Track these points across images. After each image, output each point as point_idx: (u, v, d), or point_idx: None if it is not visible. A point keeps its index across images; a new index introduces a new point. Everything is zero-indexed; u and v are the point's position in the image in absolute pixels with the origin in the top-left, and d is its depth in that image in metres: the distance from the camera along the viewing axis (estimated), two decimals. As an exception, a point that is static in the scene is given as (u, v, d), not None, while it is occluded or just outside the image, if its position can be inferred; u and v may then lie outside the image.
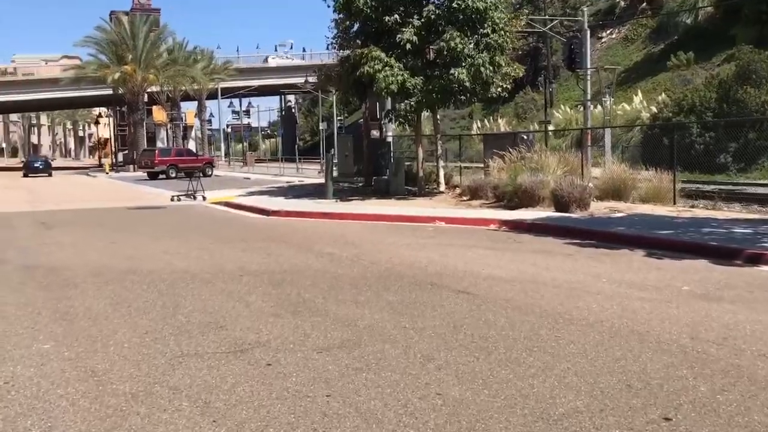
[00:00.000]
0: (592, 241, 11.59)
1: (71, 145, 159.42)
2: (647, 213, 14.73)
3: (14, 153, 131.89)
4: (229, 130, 65.35)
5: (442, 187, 22.84)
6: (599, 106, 44.46)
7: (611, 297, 7.26)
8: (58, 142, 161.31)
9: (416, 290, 7.72)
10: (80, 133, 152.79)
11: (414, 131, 21.94)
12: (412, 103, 18.97)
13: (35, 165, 52.11)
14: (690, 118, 30.04)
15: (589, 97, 24.30)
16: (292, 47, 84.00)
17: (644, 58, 54.54)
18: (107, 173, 50.95)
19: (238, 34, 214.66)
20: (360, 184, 25.62)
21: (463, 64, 18.97)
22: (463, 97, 19.47)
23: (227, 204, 20.33)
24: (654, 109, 37.49)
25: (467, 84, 18.76)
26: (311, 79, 33.25)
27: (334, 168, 30.59)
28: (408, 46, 18.76)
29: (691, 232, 11.73)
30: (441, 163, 23.28)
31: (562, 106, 48.87)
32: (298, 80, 53.14)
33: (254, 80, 69.10)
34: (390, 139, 28.71)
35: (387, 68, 18.61)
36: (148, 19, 55.07)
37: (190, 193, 23.07)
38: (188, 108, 69.70)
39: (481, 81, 19.19)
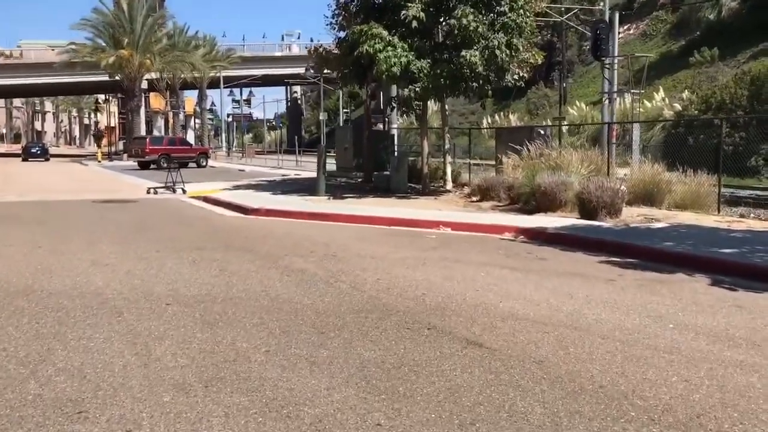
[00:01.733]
0: (633, 260, 9.22)
1: (76, 132, 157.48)
2: (692, 223, 12.32)
3: (17, 139, 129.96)
4: (230, 119, 62.98)
5: (449, 185, 20.47)
6: (619, 102, 42.05)
7: (693, 361, 4.88)
8: (63, 130, 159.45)
9: (406, 339, 5.35)
10: (85, 121, 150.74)
11: (419, 122, 19.52)
12: (416, 89, 16.56)
13: (33, 150, 56.28)
14: (718, 115, 27.61)
15: (615, 88, 21.83)
16: (299, 37, 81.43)
17: (664, 54, 51.89)
18: (99, 161, 48.74)
19: (247, 25, 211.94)
20: (359, 180, 23.25)
21: (476, 46, 16.57)
22: (475, 84, 17.02)
23: (206, 199, 18.00)
24: (678, 107, 35.00)
25: (480, 69, 16.34)
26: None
27: (330, 162, 28.28)
28: (414, 23, 16.35)
29: (761, 251, 9.31)
30: (449, 158, 20.89)
31: (577, 102, 46.35)
32: (303, 70, 50.75)
33: (258, 69, 66.72)
34: (395, 132, 26.36)
35: (389, 48, 16.22)
36: (147, 2, 52.67)
37: (169, 185, 20.78)
38: (188, 96, 67.33)
39: (496, 66, 16.79)
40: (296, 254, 9.36)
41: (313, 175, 26.42)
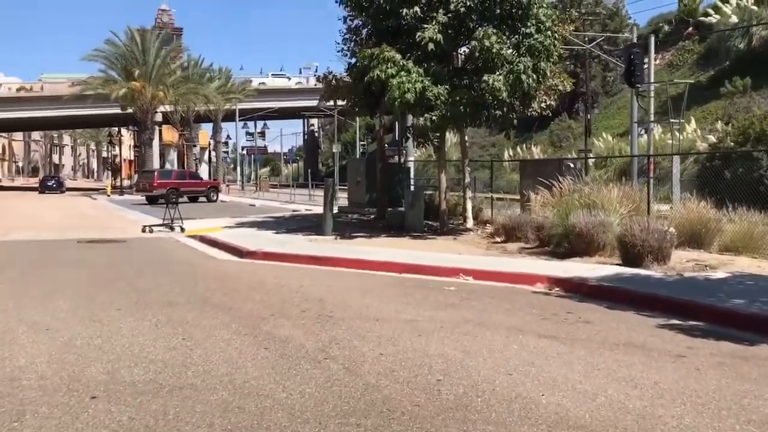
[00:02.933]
0: (699, 323, 7.46)
1: (94, 165, 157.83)
2: (755, 272, 10.51)
3: (35, 172, 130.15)
4: (244, 152, 61.91)
5: (470, 223, 18.72)
6: (644, 134, 40.24)
7: None
8: (81, 163, 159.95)
9: (412, 470, 3.62)
10: (104, 154, 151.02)
11: (436, 154, 17.87)
12: (433, 117, 14.93)
13: (49, 184, 58.88)
14: (757, 148, 25.72)
15: (652, 117, 20.07)
16: (317, 70, 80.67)
17: (692, 85, 50.18)
18: (108, 195, 47.58)
19: (265, 59, 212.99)
20: (371, 217, 21.58)
21: (500, 70, 14.99)
22: (498, 113, 15.37)
23: (202, 239, 16.40)
24: (712, 138, 33.15)
25: (504, 95, 14.70)
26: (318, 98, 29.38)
27: (343, 196, 26.69)
28: (430, 46, 14.82)
29: None
30: (469, 193, 19.17)
31: (603, 134, 44.57)
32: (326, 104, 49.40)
33: (274, 102, 65.81)
34: (411, 165, 24.77)
35: (403, 73, 14.65)
36: (161, 35, 51.94)
37: (166, 222, 19.24)
38: (203, 129, 66.42)
39: (522, 92, 15.15)
40: (284, 314, 7.66)
41: (326, 210, 24.87)
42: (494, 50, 14.56)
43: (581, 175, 17.66)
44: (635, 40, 24.73)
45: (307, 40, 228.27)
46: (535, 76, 15.04)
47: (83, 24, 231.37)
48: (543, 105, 17.17)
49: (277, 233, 17.20)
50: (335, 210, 25.09)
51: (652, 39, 19.90)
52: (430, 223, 18.84)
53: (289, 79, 72.61)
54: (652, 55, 19.74)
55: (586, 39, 38.07)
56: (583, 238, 12.54)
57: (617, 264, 11.56)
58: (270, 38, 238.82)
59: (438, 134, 16.62)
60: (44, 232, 18.82)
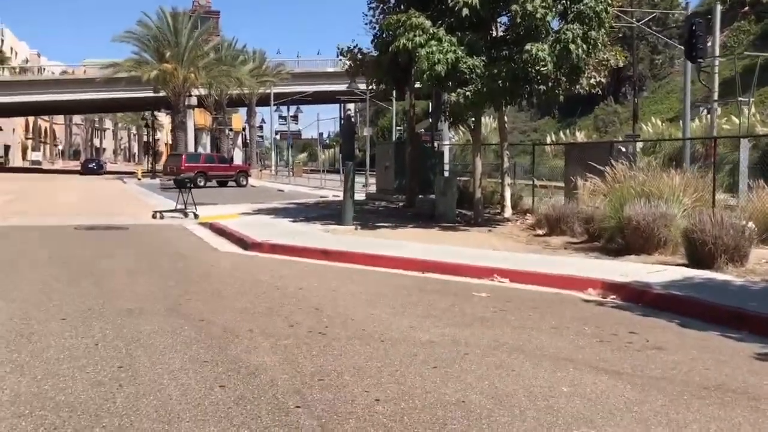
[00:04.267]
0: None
1: (135, 149, 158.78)
2: None
3: (76, 155, 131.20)
4: (278, 137, 60.54)
5: (508, 213, 16.92)
6: (696, 120, 37.70)
7: None
8: (122, 147, 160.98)
9: None
10: (144, 138, 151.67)
11: (471, 135, 16.04)
12: (467, 93, 13.12)
13: (90, 166, 64.06)
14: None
15: (716, 96, 17.90)
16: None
17: (747, 66, 47.28)
18: (139, 179, 46.63)
19: (303, 43, 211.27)
20: (400, 204, 19.88)
21: (544, 39, 13.13)
22: (542, 88, 13.48)
23: (212, 226, 14.90)
24: (775, 123, 30.65)
25: (549, 67, 12.83)
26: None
27: (367, 184, 25.04)
28: (465, 12, 13.03)
29: None
30: (508, 180, 17.32)
31: (652, 119, 42.06)
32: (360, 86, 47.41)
33: (310, 86, 64.16)
34: (445, 149, 22.96)
35: (433, 42, 12.88)
36: (193, 16, 50.70)
37: (179, 208, 17.82)
38: (236, 113, 65.26)
39: (570, 65, 13.24)
40: (266, 330, 6.01)
41: (355, 196, 23.20)
42: (538, 15, 12.68)
43: (634, 160, 15.71)
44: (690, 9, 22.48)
45: (348, 24, 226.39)
46: (585, 46, 13.10)
47: (129, 8, 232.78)
48: (593, 81, 15.22)
49: (294, 221, 15.61)
50: (363, 197, 23.50)
51: (718, 8, 17.72)
52: (463, 212, 17.08)
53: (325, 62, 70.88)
54: (718, 25, 17.56)
55: (634, 18, 35.65)
56: (641, 232, 10.68)
57: (682, 264, 9.68)
58: (309, 22, 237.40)
59: (473, 113, 14.78)
60: (51, 216, 17.54)
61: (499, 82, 13.11)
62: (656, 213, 10.65)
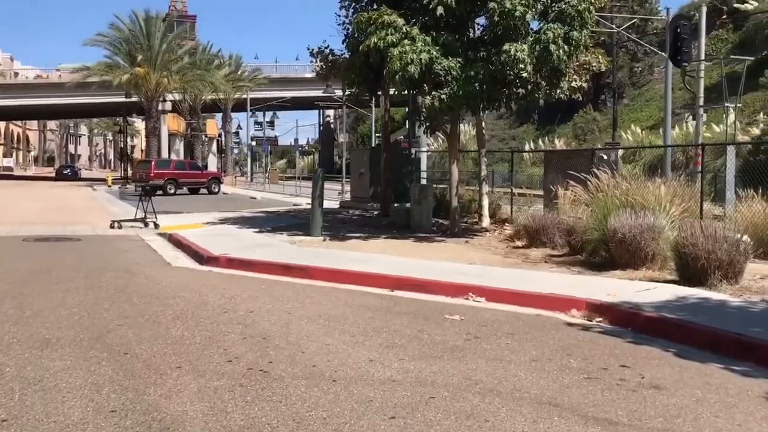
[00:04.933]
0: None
1: (111, 155, 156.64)
2: None
3: (50, 162, 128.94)
4: (253, 143, 59.47)
5: (486, 222, 16.16)
6: (676, 128, 37.25)
7: None
8: (97, 153, 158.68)
9: None
10: (120, 144, 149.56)
11: (447, 141, 15.22)
12: (443, 96, 12.31)
13: (65, 172, 65.59)
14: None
15: (701, 101, 17.23)
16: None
17: (727, 74, 47.00)
18: (109, 186, 45.36)
19: (281, 49, 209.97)
20: (375, 213, 19.03)
21: (523, 39, 12.39)
22: (521, 91, 12.71)
23: (171, 238, 13.95)
24: (755, 131, 30.30)
25: (529, 69, 12.07)
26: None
27: (342, 192, 24.18)
28: (440, 10, 12.23)
29: None
30: (485, 188, 16.55)
31: (632, 127, 41.58)
32: (336, 93, 46.31)
33: (288, 91, 63.18)
34: (422, 156, 22.15)
35: (406, 41, 12.08)
36: (167, 19, 49.62)
37: (139, 218, 16.83)
38: (210, 119, 64.08)
39: (550, 67, 12.48)
40: (198, 366, 5.13)
41: (328, 204, 22.29)
42: (517, 14, 11.93)
43: (616, 168, 15.04)
44: (668, 19, 21.85)
45: (328, 31, 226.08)
46: (566, 47, 12.35)
47: (108, 13, 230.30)
48: (574, 85, 14.50)
49: (259, 232, 14.69)
50: (337, 205, 22.63)
51: (704, 9, 17.07)
52: (440, 221, 16.28)
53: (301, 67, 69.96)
54: (704, 27, 16.92)
55: (614, 25, 35.16)
56: (627, 246, 9.91)
57: (672, 281, 8.93)
58: (289, 29, 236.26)
59: (449, 118, 13.97)
60: (1, 225, 16.46)
61: (476, 84, 12.33)
62: (643, 225, 9.90)
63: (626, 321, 6.97)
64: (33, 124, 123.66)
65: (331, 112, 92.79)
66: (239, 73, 59.40)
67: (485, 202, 16.41)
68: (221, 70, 54.93)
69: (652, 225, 9.97)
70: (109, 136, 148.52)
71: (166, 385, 4.66)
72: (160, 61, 47.31)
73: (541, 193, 18.31)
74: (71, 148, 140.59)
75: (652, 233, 9.92)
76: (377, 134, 65.26)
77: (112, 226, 16.46)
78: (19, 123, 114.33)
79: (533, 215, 12.39)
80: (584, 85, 15.56)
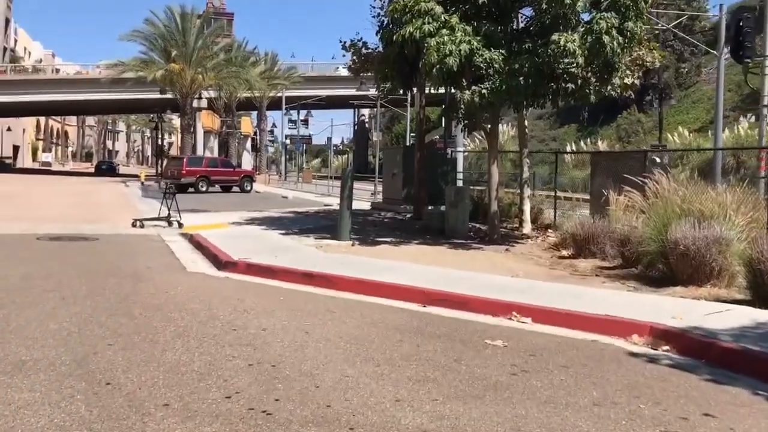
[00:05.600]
0: None
1: (148, 152, 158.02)
2: None
3: (89, 158, 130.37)
4: (287, 141, 58.87)
5: (527, 228, 15.13)
6: (726, 130, 35.63)
7: None
8: (135, 150, 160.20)
9: None
10: (159, 141, 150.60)
11: (486, 140, 14.21)
12: (483, 91, 11.32)
13: (103, 168, 72.29)
14: None
15: (766, 101, 15.95)
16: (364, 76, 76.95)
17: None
18: (142, 183, 45.14)
19: (317, 49, 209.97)
20: (407, 216, 18.09)
21: (574, 29, 11.35)
22: (570, 86, 11.64)
23: (192, 239, 13.19)
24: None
25: (579, 61, 11.03)
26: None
27: (375, 193, 23.26)
28: (482, -1, 11.24)
29: None
30: (527, 191, 15.52)
31: (680, 128, 39.96)
32: (371, 92, 45.22)
33: (323, 90, 62.50)
34: (459, 156, 21.19)
35: (444, 31, 11.12)
36: (203, 15, 49.23)
37: (162, 217, 16.15)
38: (245, 116, 63.65)
39: (603, 60, 11.41)
40: (191, 402, 4.24)
41: (360, 206, 21.43)
42: (567, 1, 10.89)
43: (668, 171, 13.86)
44: (724, 22, 20.54)
45: (362, 26, 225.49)
46: (620, 38, 11.28)
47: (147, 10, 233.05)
48: (627, 81, 13.38)
49: (285, 234, 13.85)
50: (368, 206, 21.73)
51: (769, 1, 15.82)
52: (477, 226, 15.30)
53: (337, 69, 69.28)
54: (768, 21, 15.63)
55: (660, 24, 33.72)
56: (690, 260, 8.84)
57: (743, 301, 7.87)
58: (326, 28, 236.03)
59: (489, 115, 12.97)
60: (22, 222, 15.88)
61: (521, 78, 11.31)
62: (709, 237, 8.81)
63: (699, 351, 5.93)
64: (72, 120, 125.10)
65: (366, 112, 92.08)
66: (274, 70, 58.87)
67: (527, 207, 15.37)
68: (257, 67, 54.43)
69: (720, 237, 8.88)
70: (147, 133, 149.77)
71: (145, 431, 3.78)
72: (195, 58, 46.96)
73: (585, 196, 17.22)
74: (109, 144, 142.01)
75: (719, 246, 8.83)
76: (412, 134, 64.23)
77: (134, 225, 15.80)
78: (58, 119, 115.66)
79: (582, 222, 11.32)
80: (636, 82, 14.43)
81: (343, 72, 67.97)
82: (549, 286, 8.61)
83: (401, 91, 14.07)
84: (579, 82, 11.56)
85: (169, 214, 16.08)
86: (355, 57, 15.50)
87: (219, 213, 19.93)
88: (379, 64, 14.29)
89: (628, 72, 13.40)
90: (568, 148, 44.99)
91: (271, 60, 58.89)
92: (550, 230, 15.48)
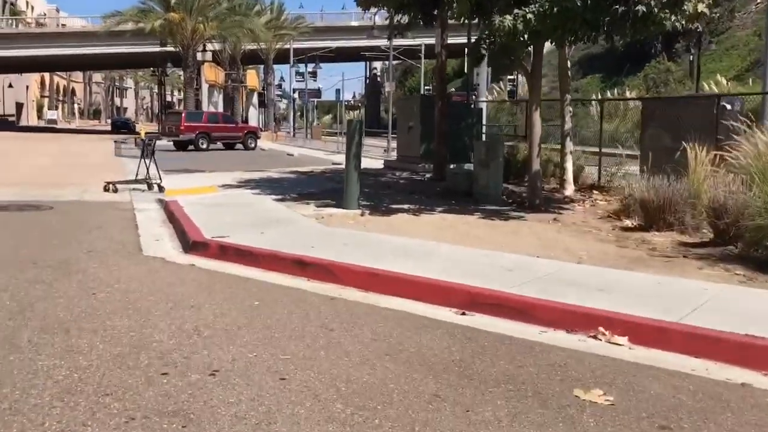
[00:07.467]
0: None
1: (157, 108, 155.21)
2: None
3: (96, 115, 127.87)
4: (296, 95, 56.09)
5: (569, 190, 12.69)
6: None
7: None
8: (144, 107, 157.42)
9: None
10: (169, 98, 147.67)
11: (528, 82, 11.62)
12: (529, 15, 8.73)
13: (117, 124, 72.00)
14: None
15: None
16: (379, 10, 73.34)
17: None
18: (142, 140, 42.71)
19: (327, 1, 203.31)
20: (426, 176, 15.61)
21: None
22: (641, 8, 8.98)
23: (167, 207, 10.80)
24: None
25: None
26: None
27: (388, 150, 20.75)
28: None
29: None
30: (569, 146, 13.00)
31: (717, 76, 36.86)
32: (383, 42, 41.97)
33: (332, 41, 59.36)
34: (483, 107, 18.62)
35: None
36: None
37: (141, 179, 13.81)
38: (250, 70, 60.76)
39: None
40: None
41: (371, 164, 18.94)
42: None
43: (750, 119, 11.26)
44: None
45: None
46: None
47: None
48: (701, 7, 10.69)
49: (280, 200, 11.44)
50: (380, 165, 19.26)
51: None
52: (510, 188, 12.88)
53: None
54: None
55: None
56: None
57: None
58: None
59: (533, 47, 10.34)
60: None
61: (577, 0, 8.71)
62: None
63: None
64: (78, 76, 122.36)
65: (378, 65, 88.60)
66: (281, 20, 55.74)
67: (569, 164, 12.87)
68: (262, 17, 51.43)
69: None
70: (155, 89, 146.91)
71: None
72: (195, 6, 44.08)
73: (624, 152, 14.71)
74: (117, 101, 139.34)
75: None
76: (427, 87, 61.16)
77: (106, 189, 13.41)
78: (63, 75, 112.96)
79: (656, 186, 8.80)
80: (706, 11, 11.73)
81: (354, 22, 64.83)
82: (634, 278, 6.16)
83: (420, 22, 11.45)
84: (652, 2, 8.92)
85: (147, 174, 13.74)
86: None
87: (213, 173, 17.57)
88: (393, -8, 11.63)
89: (702, -5, 10.69)
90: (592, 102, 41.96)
91: (278, 9, 55.74)
92: (595, 191, 13.04)
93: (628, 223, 9.34)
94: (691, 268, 6.75)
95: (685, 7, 9.99)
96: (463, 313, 5.29)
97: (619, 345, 4.63)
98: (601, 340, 4.72)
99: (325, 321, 4.95)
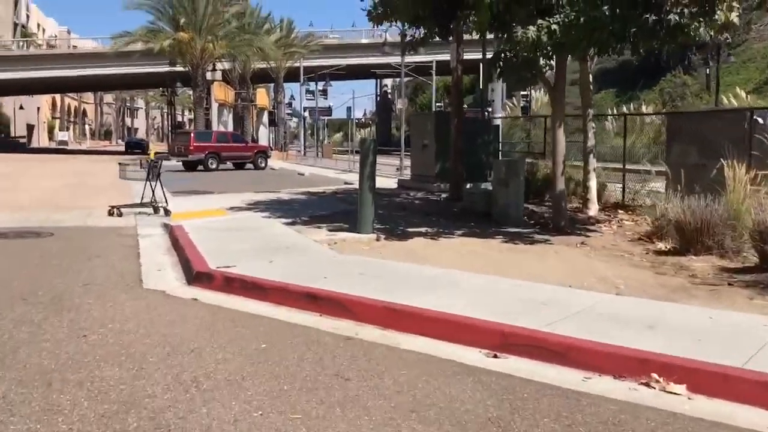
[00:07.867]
0: None
1: (168, 128, 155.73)
2: None
3: (107, 135, 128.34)
4: (306, 114, 55.77)
5: (593, 210, 12.12)
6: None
7: None
8: (155, 127, 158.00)
9: None
10: (179, 117, 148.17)
11: (551, 96, 11.07)
12: (553, 26, 8.20)
13: (131, 144, 72.26)
14: None
15: None
16: (392, 24, 73.17)
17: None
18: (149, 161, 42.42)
19: (337, 18, 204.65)
20: (442, 196, 15.07)
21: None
22: (674, 18, 8.44)
23: (172, 233, 10.30)
24: None
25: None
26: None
27: (401, 168, 20.24)
28: None
29: None
30: (593, 163, 12.43)
31: (737, 89, 36.21)
32: (394, 59, 41.46)
33: (342, 59, 59.13)
34: (498, 123, 18.09)
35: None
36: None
37: (146, 202, 13.35)
38: (260, 88, 60.59)
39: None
40: None
41: (384, 183, 18.40)
42: None
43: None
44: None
45: None
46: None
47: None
48: (733, 16, 10.14)
49: (291, 224, 10.90)
50: (394, 184, 18.74)
51: None
52: (531, 208, 12.31)
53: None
54: None
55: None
56: None
57: None
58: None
59: (557, 60, 9.82)
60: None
61: (606, 9, 8.18)
62: None
63: None
64: (89, 97, 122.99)
65: (389, 82, 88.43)
66: (291, 38, 55.54)
67: (593, 182, 12.30)
68: (271, 35, 51.23)
69: None
70: (165, 109, 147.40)
71: None
72: (205, 25, 43.92)
73: (657, 168, 14.12)
74: (128, 121, 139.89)
75: None
76: (438, 104, 60.76)
77: (110, 213, 12.95)
78: (74, 96, 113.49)
79: (692, 208, 8.20)
80: (736, 21, 11.19)
81: (365, 40, 64.64)
82: (682, 312, 5.56)
83: (436, 36, 10.93)
84: (685, 10, 8.38)
85: (153, 197, 13.28)
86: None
87: (222, 195, 17.10)
88: (408, 5, 11.12)
89: (734, 3, 10.16)
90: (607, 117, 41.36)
91: (287, 27, 55.54)
92: (620, 211, 12.45)
93: (661, 246, 8.75)
94: (741, 298, 6.15)
95: (717, 16, 9.46)
96: (495, 356, 4.72)
97: (677, 394, 4.05)
98: (654, 388, 4.14)
99: (340, 368, 4.39)
